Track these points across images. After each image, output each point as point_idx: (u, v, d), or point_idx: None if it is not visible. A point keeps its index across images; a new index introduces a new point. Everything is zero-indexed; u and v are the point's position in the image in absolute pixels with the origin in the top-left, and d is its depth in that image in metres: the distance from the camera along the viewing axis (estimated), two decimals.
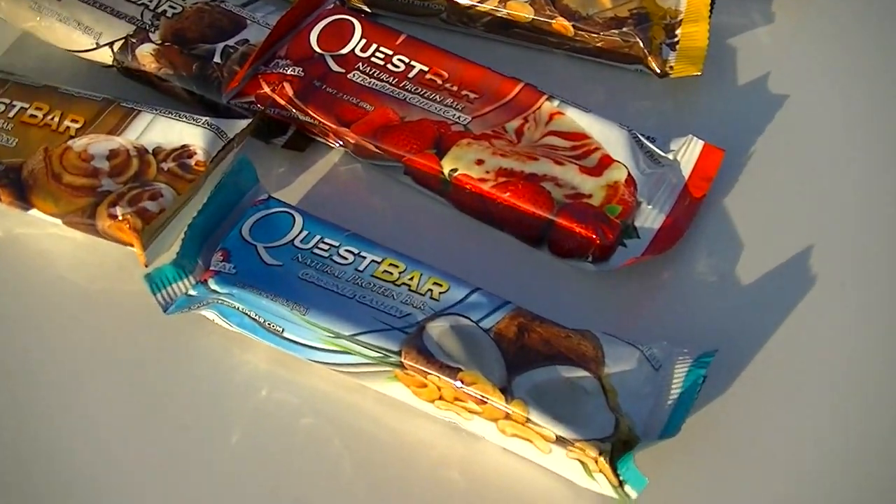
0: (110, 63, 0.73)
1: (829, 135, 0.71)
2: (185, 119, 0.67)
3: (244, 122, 0.67)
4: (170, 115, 0.67)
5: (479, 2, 0.73)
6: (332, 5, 0.73)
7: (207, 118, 0.67)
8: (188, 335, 0.62)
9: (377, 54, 0.70)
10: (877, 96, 0.73)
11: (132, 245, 0.63)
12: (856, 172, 0.69)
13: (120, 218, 0.63)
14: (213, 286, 0.59)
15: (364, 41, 0.70)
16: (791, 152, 0.70)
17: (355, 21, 0.71)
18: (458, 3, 0.73)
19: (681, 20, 0.72)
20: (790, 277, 0.64)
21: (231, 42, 0.72)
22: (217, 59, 0.71)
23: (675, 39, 0.71)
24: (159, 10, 0.74)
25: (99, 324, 0.63)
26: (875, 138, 0.71)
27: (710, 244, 0.65)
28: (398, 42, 0.70)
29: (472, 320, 0.58)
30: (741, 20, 0.77)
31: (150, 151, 0.66)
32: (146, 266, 0.63)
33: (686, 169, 0.66)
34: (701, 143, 0.67)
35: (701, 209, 0.66)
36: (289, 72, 0.69)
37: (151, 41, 0.72)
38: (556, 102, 0.67)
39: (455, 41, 0.74)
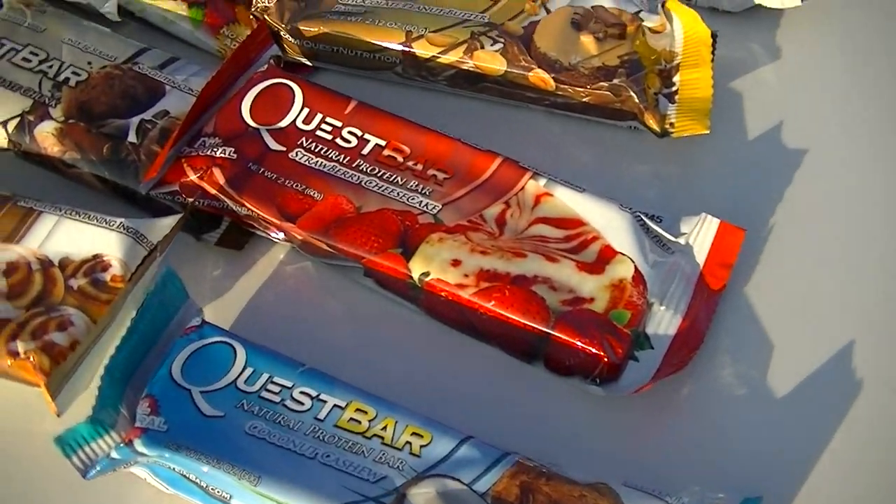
0: (5, 146, 0.60)
1: (859, 192, 0.61)
2: (96, 222, 0.55)
3: (169, 223, 0.56)
4: (77, 217, 0.56)
5: (440, 53, 0.61)
6: (265, 66, 0.61)
7: (123, 220, 0.55)
8: (115, 494, 0.50)
9: (323, 126, 0.58)
10: None
11: (39, 387, 0.51)
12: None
13: (22, 356, 0.51)
14: (141, 448, 0.48)
15: (307, 111, 0.59)
16: (819, 220, 0.60)
17: (294, 86, 0.59)
18: (415, 55, 0.61)
19: (678, 64, 0.61)
20: (834, 382, 0.54)
21: (147, 115, 0.60)
22: (132, 137, 0.59)
23: (674, 88, 0.60)
24: (60, 77, 0.62)
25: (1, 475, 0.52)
26: None
27: (734, 347, 0.55)
28: (348, 110, 0.59)
29: (463, 483, 0.47)
30: (740, 54, 0.67)
31: (56, 264, 0.54)
32: (58, 416, 0.51)
33: (700, 254, 0.56)
34: (716, 221, 0.56)
35: (720, 302, 0.55)
36: (218, 153, 0.57)
37: (52, 118, 0.60)
38: (542, 181, 0.56)
39: (413, 96, 0.63)
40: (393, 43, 0.62)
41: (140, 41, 0.65)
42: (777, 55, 0.66)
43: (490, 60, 0.61)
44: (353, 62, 0.64)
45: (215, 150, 0.58)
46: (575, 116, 0.63)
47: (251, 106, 0.59)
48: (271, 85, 0.60)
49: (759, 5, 0.67)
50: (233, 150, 0.58)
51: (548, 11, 0.62)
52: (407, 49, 0.62)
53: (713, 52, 0.61)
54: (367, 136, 0.58)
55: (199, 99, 0.59)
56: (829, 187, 0.60)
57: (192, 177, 0.57)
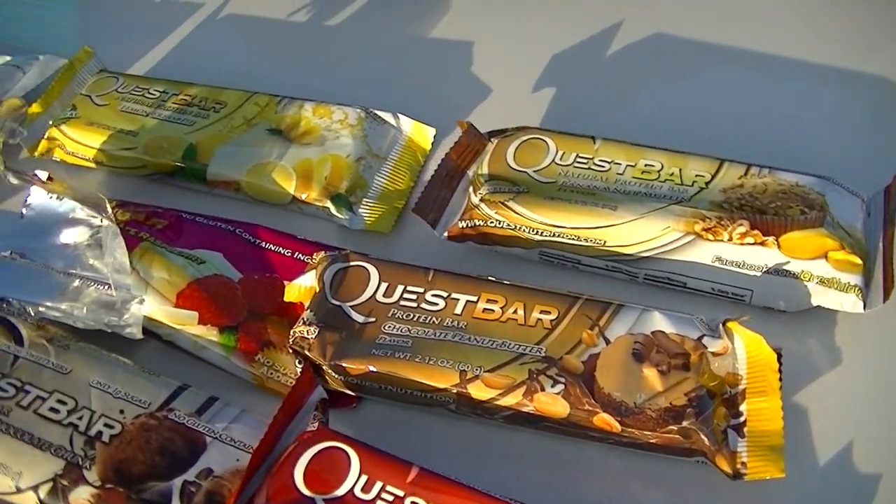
0: None
1: None
2: None
3: None
4: None
5: (498, 395, 0.58)
6: (315, 425, 0.57)
7: None
8: None
9: (384, 496, 0.55)
10: None
11: None
12: None
13: None
14: None
15: (365, 478, 0.56)
16: None
17: (349, 450, 0.56)
18: (470, 397, 0.58)
19: (744, 390, 0.58)
20: None
21: (190, 475, 0.57)
22: (175, 503, 0.55)
23: (742, 419, 0.58)
24: (91, 431, 0.59)
25: None
26: None
27: None
28: (410, 478, 0.56)
29: None
30: (796, 345, 0.63)
31: None
32: None
33: None
34: None
35: None
36: None
37: (88, 482, 0.58)
38: None
39: (468, 428, 0.60)
40: (445, 384, 0.59)
41: (165, 365, 0.61)
42: (838, 356, 0.63)
43: (551, 404, 0.58)
44: (402, 398, 0.61)
45: None
46: (639, 452, 0.59)
47: (304, 472, 0.56)
48: (324, 449, 0.56)
49: (819, 306, 0.64)
50: None
51: (606, 341, 0.59)
52: (462, 391, 0.59)
53: (780, 375, 0.58)
54: None
55: (248, 469, 0.55)
56: None
57: None
